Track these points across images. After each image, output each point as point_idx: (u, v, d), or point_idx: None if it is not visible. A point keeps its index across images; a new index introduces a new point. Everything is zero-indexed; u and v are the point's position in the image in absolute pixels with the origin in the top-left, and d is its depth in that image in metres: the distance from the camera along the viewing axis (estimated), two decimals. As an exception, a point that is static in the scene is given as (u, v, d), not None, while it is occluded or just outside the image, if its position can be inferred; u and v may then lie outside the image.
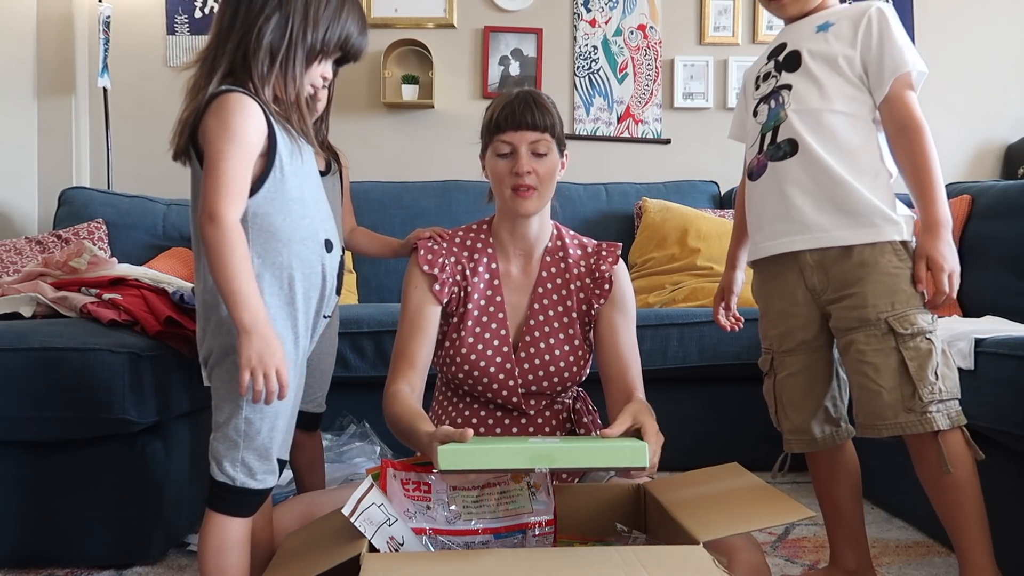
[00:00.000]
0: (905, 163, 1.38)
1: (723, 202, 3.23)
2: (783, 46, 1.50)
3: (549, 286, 1.54)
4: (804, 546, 1.82)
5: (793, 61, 1.46)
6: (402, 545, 1.10)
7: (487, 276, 1.53)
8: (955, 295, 1.33)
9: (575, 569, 0.99)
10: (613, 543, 1.25)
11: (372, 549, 1.06)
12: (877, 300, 1.34)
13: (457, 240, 1.56)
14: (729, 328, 1.67)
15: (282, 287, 1.23)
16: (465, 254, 1.54)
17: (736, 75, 3.48)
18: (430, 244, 1.54)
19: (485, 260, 1.54)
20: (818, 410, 1.46)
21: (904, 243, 1.37)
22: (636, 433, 1.22)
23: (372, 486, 1.13)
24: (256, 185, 1.20)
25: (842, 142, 1.39)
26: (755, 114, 1.51)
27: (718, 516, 1.13)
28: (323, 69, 1.29)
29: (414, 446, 1.31)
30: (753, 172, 1.49)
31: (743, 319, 1.67)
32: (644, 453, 1.05)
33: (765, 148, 1.46)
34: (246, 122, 1.17)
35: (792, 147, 1.41)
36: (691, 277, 2.84)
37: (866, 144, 1.40)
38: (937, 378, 1.31)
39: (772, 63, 1.50)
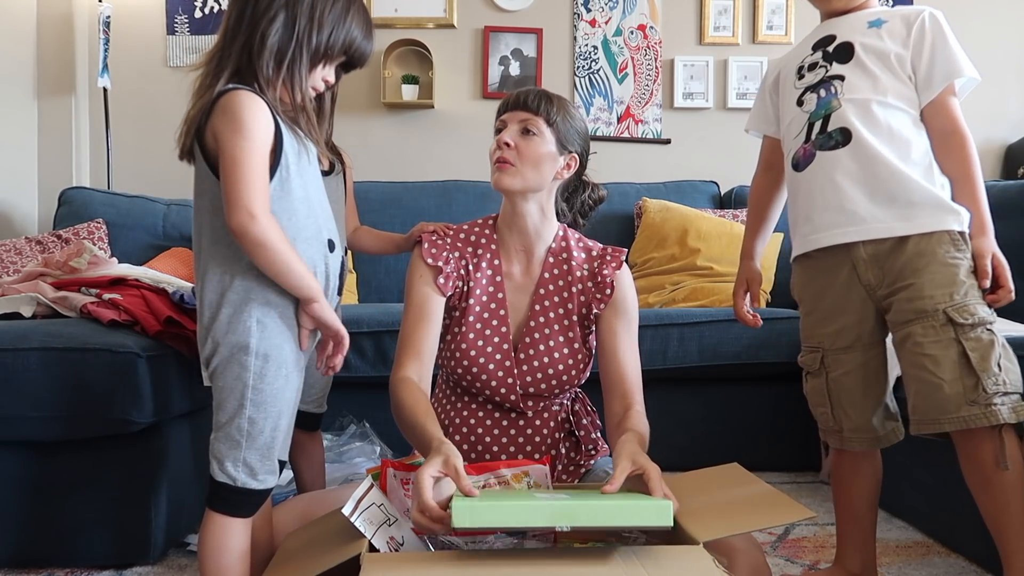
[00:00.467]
0: (951, 168, 1.38)
1: (723, 202, 3.23)
2: (831, 37, 1.47)
3: (551, 287, 1.53)
4: (804, 546, 1.82)
5: (845, 53, 1.44)
6: (402, 545, 1.10)
7: (489, 273, 1.52)
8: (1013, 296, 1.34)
9: (575, 569, 0.99)
10: (613, 543, 1.25)
11: (372, 549, 1.06)
12: (935, 291, 1.31)
13: (461, 235, 1.55)
14: (752, 323, 1.63)
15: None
16: (469, 249, 1.53)
17: (736, 75, 3.48)
18: (433, 238, 1.53)
19: (488, 257, 1.53)
20: (878, 407, 1.44)
21: (962, 233, 1.35)
22: (638, 479, 1.17)
23: (372, 486, 1.13)
24: None
25: (896, 133, 1.37)
26: (800, 103, 1.48)
27: (718, 516, 1.13)
28: (325, 73, 1.29)
29: (415, 442, 1.30)
30: (799, 162, 1.46)
31: (760, 317, 1.65)
32: (669, 511, 1.01)
33: (813, 137, 1.43)
34: (256, 117, 1.18)
35: (845, 136, 1.39)
36: (691, 277, 2.84)
37: (918, 138, 1.39)
38: (1000, 369, 1.27)
39: (819, 53, 1.47)
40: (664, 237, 2.93)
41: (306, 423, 1.72)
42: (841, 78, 1.42)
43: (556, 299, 1.52)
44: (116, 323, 1.65)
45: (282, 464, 1.29)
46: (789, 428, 2.53)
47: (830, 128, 1.41)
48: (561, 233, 1.56)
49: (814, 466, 2.53)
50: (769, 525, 1.14)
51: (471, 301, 1.50)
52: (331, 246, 1.30)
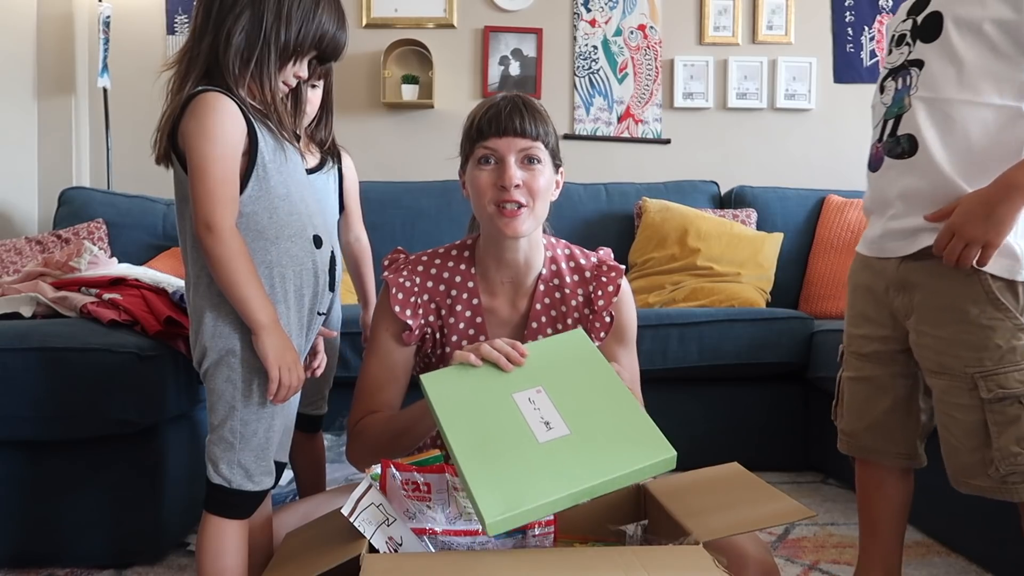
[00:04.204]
0: None
1: (723, 202, 3.23)
2: (925, 1, 1.19)
3: (543, 319, 1.38)
4: (804, 546, 1.82)
5: (932, 27, 1.16)
6: (401, 545, 1.10)
7: (468, 315, 1.36)
8: (971, 261, 1.11)
9: (575, 570, 0.99)
10: (613, 543, 1.25)
11: (372, 549, 1.06)
12: (963, 352, 1.16)
13: (432, 272, 1.38)
14: None
15: (273, 286, 1.22)
16: (442, 288, 1.37)
17: (736, 75, 3.48)
18: (402, 281, 1.36)
19: (465, 296, 1.36)
20: (877, 425, 1.33)
21: (1011, 283, 1.15)
22: None
23: (371, 486, 1.13)
24: (240, 185, 1.19)
25: (975, 144, 1.14)
26: (881, 90, 1.26)
27: (718, 516, 1.13)
28: (297, 68, 1.25)
29: (414, 431, 1.27)
30: (871, 162, 1.28)
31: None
32: (666, 446, 1.05)
33: (885, 138, 1.23)
34: (225, 122, 1.16)
35: (911, 146, 1.18)
36: (691, 277, 2.84)
37: (1010, 143, 1.13)
38: (1015, 452, 1.14)
39: (910, 22, 1.21)
40: (664, 237, 2.93)
41: (307, 425, 1.72)
42: (920, 65, 1.16)
43: (549, 331, 1.38)
44: (116, 323, 1.65)
45: (283, 466, 1.29)
46: (789, 428, 2.53)
47: (900, 132, 1.19)
48: (549, 253, 1.40)
49: (814, 466, 2.54)
50: (769, 525, 1.14)
51: (448, 349, 1.37)
52: (317, 242, 1.27)
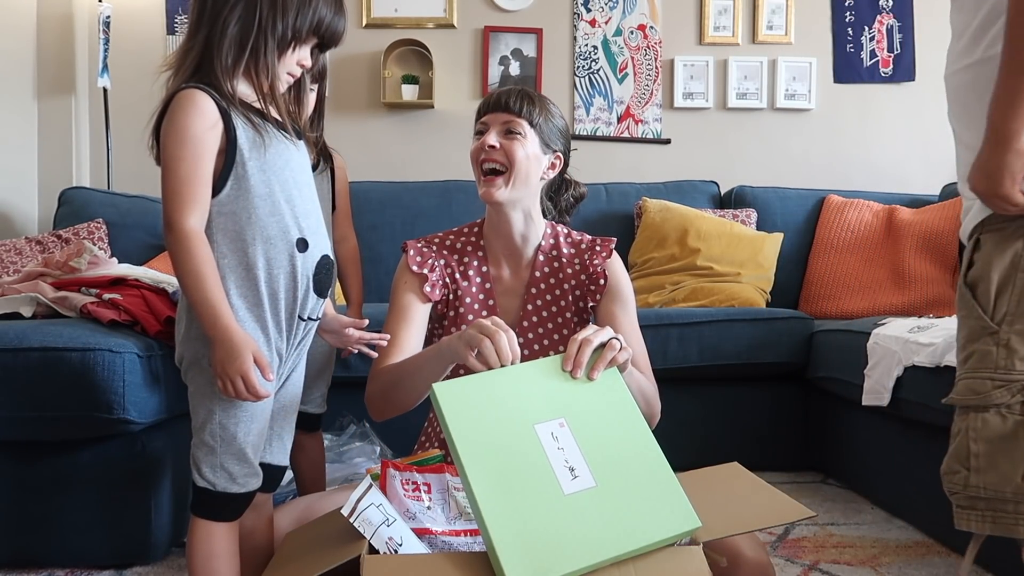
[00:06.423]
0: None
1: (723, 202, 3.23)
2: None
3: (543, 286, 1.53)
4: (804, 546, 1.82)
5: None
6: (401, 545, 1.10)
7: (478, 280, 1.52)
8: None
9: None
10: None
11: (372, 550, 1.06)
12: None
13: (447, 243, 1.55)
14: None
15: (248, 288, 1.19)
16: (455, 257, 1.52)
17: (736, 75, 3.48)
18: (419, 246, 1.52)
19: (475, 264, 1.52)
20: None
21: (972, 272, 0.98)
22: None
23: (371, 486, 1.13)
24: (218, 184, 1.17)
25: None
26: None
27: (718, 516, 1.13)
28: (300, 56, 1.23)
29: (429, 367, 1.28)
30: None
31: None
32: (692, 514, 1.04)
33: None
34: (194, 120, 1.14)
35: None
36: (691, 277, 2.84)
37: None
38: (961, 468, 0.96)
39: None
40: (664, 237, 2.93)
41: (306, 423, 1.72)
42: None
43: (548, 298, 1.52)
44: (116, 323, 1.65)
45: (283, 469, 1.29)
46: (789, 428, 2.53)
47: None
48: (549, 231, 1.56)
49: (814, 466, 2.54)
50: (769, 525, 1.14)
51: (461, 310, 1.50)
52: (302, 245, 1.22)
